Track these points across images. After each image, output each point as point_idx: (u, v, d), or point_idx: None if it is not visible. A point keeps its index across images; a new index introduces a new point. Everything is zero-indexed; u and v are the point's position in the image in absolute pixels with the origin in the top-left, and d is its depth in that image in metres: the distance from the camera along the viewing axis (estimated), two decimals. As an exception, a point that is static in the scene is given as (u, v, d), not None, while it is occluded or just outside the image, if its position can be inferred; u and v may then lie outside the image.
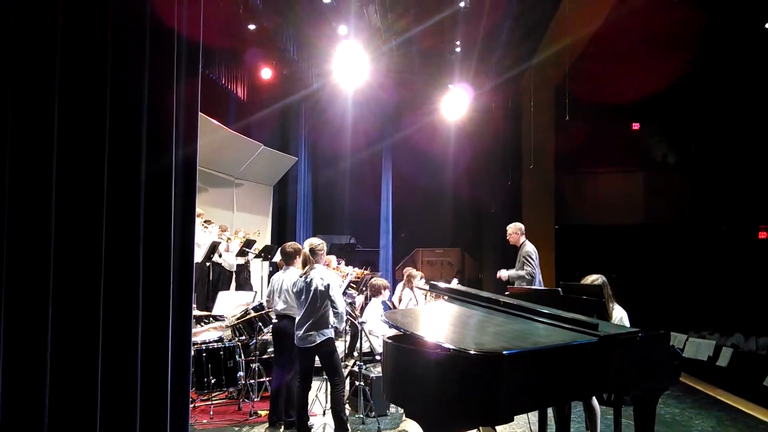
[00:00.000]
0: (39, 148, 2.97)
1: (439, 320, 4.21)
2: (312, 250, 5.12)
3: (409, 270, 8.53)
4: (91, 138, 3.14)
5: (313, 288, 4.98)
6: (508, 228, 7.46)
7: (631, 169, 14.77)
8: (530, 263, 7.13)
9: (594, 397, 4.75)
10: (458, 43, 11.68)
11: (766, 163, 12.50)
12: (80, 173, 3.10)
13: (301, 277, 5.12)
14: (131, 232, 3.22)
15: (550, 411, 5.12)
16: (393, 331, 4.07)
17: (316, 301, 4.97)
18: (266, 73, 12.68)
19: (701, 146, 14.05)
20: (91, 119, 3.14)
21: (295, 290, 5.17)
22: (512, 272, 7.34)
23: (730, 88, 12.67)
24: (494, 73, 12.68)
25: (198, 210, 9.37)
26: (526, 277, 7.15)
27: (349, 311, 6.79)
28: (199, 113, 3.71)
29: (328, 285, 4.98)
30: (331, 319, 5.04)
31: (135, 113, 3.27)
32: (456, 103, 12.30)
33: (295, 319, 5.17)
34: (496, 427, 4.93)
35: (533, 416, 5.19)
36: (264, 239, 13.05)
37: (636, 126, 14.92)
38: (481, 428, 4.94)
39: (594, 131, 14.11)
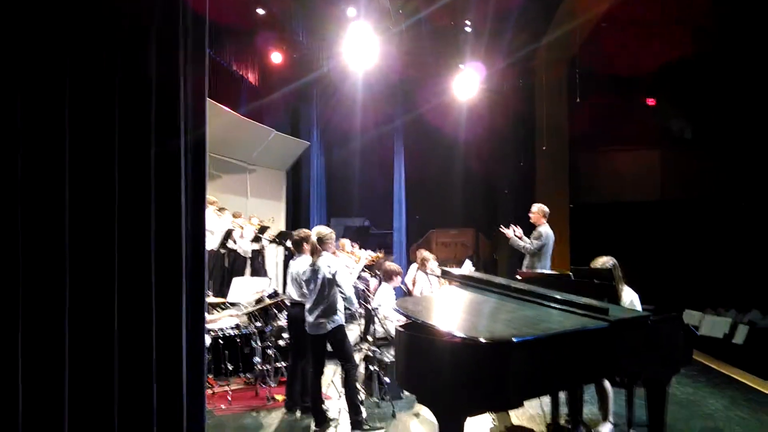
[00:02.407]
0: (50, 135, 3.00)
1: (450, 308, 4.24)
2: (320, 239, 5.16)
3: (422, 252, 8.55)
4: (101, 118, 3.15)
5: (320, 276, 5.03)
6: (533, 206, 7.57)
7: (647, 146, 14.59)
8: (539, 241, 7.26)
9: (606, 379, 4.77)
10: (469, 22, 11.55)
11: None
12: (91, 159, 3.12)
13: (309, 266, 5.17)
14: (142, 219, 3.24)
15: (562, 393, 5.16)
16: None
17: (324, 289, 5.03)
18: (276, 58, 12.65)
19: (718, 121, 13.82)
20: (101, 96, 3.15)
21: (304, 278, 5.23)
22: (517, 239, 7.50)
23: (746, 62, 12.43)
24: (505, 52, 12.54)
25: (211, 198, 9.49)
26: (527, 248, 7.29)
27: (365, 295, 6.86)
28: (212, 100, 3.73)
29: (335, 272, 5.03)
30: (341, 305, 5.10)
31: (144, 89, 3.27)
32: (467, 84, 12.20)
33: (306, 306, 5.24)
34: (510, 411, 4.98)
35: (546, 397, 5.22)
36: (278, 225, 13.14)
37: (651, 102, 14.69)
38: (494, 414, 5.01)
39: (608, 108, 13.94)
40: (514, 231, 7.63)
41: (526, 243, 7.49)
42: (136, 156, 3.26)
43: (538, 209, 7.56)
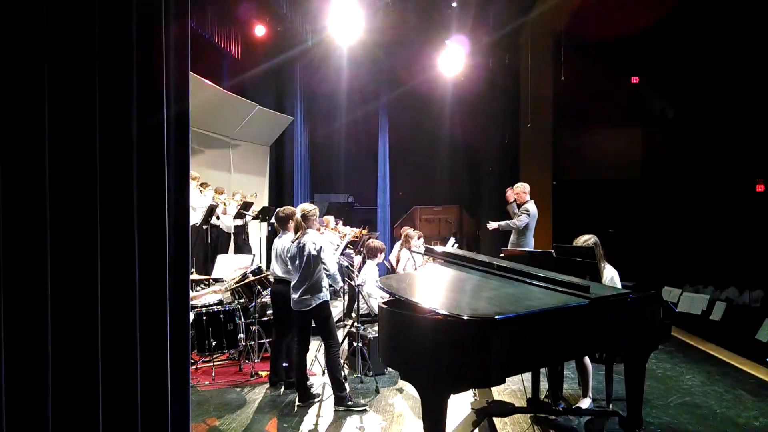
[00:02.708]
0: (28, 107, 2.92)
1: (434, 285, 4.26)
2: (304, 216, 5.15)
3: (406, 230, 8.57)
4: (80, 90, 3.06)
5: (306, 253, 5.03)
6: (517, 186, 7.70)
7: (630, 123, 14.67)
8: (527, 216, 7.39)
9: (586, 356, 4.85)
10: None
11: (764, 116, 12.42)
12: (71, 134, 3.04)
13: (293, 242, 5.16)
14: (125, 194, 3.18)
15: (543, 369, 5.24)
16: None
17: (309, 266, 5.04)
18: (260, 31, 12.46)
19: (700, 100, 13.91)
20: (79, 67, 3.06)
21: (289, 255, 5.23)
22: (503, 222, 7.65)
23: (728, 40, 12.47)
24: (491, 28, 12.47)
25: (194, 173, 9.40)
26: (518, 225, 7.42)
27: (348, 272, 6.88)
28: (194, 74, 3.66)
29: (321, 248, 5.04)
30: (325, 282, 5.11)
31: (124, 60, 3.18)
32: (453, 60, 12.14)
33: (291, 283, 5.24)
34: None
35: (527, 373, 5.31)
36: (262, 200, 13.08)
37: (635, 80, 14.73)
38: (476, 390, 5.07)
39: (592, 86, 13.95)
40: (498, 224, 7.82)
41: (512, 222, 7.62)
42: (117, 130, 3.19)
43: (522, 187, 7.71)
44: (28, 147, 2.93)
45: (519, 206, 7.79)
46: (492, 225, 7.93)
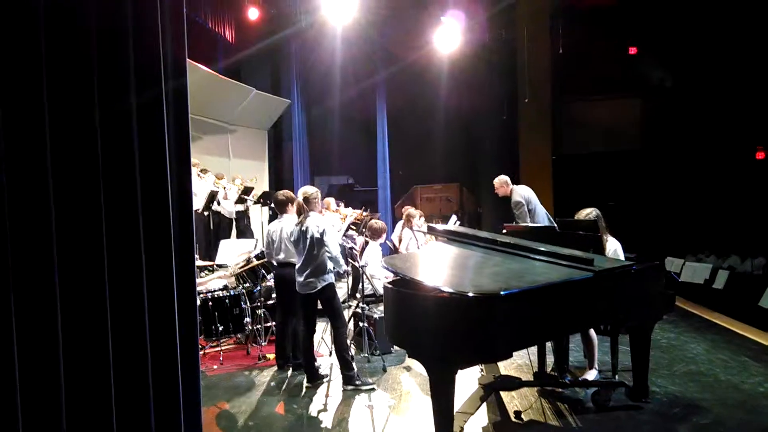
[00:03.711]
0: (26, 88, 2.89)
1: (437, 263, 4.28)
2: (306, 199, 5.14)
3: (408, 209, 8.58)
4: (78, 69, 3.02)
5: (309, 236, 5.03)
6: (494, 183, 7.61)
7: (628, 94, 14.60)
8: (519, 209, 7.31)
9: (591, 328, 4.87)
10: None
11: (763, 84, 12.35)
12: (71, 114, 3.00)
13: (297, 226, 5.17)
14: (127, 175, 3.15)
15: (549, 342, 5.28)
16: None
17: (313, 249, 5.04)
18: (253, 14, 12.32)
19: (699, 68, 13.82)
20: (77, 46, 3.03)
21: (292, 239, 5.23)
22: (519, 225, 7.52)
23: (726, 7, 12.36)
24: (487, 2, 12.36)
25: (193, 159, 9.37)
26: (525, 221, 7.35)
27: (352, 253, 6.90)
28: (189, 59, 3.61)
29: (323, 231, 5.03)
30: (329, 265, 5.12)
31: (121, 37, 3.15)
32: (449, 36, 12.03)
33: (295, 265, 5.25)
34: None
35: (533, 347, 5.34)
36: (262, 185, 13.07)
37: (633, 50, 14.62)
38: (483, 365, 5.12)
39: (590, 58, 13.86)
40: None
41: (519, 220, 7.47)
42: (117, 110, 3.16)
43: (499, 183, 7.59)
44: (28, 130, 2.90)
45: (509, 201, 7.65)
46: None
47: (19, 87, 2.90)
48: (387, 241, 8.13)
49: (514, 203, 7.44)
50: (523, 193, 7.49)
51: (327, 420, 4.47)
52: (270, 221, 10.71)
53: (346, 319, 5.61)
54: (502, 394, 4.74)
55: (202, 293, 6.19)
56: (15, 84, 2.89)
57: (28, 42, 2.92)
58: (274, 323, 6.41)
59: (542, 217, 7.49)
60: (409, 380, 5.31)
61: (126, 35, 3.17)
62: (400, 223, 8.74)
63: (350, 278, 7.52)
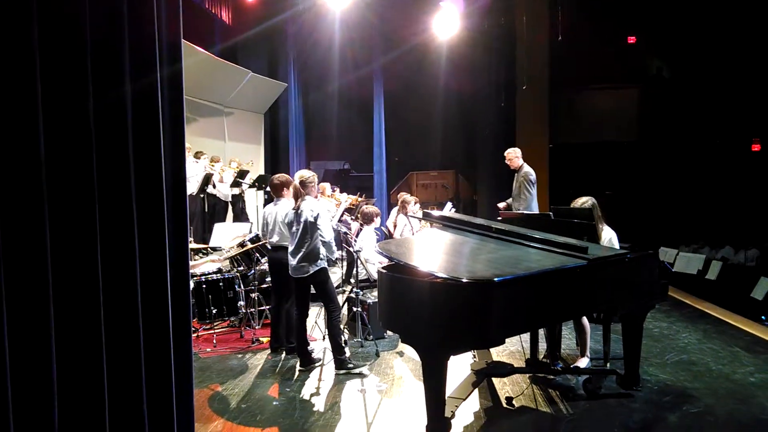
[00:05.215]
0: (18, 70, 2.86)
1: (432, 249, 4.27)
2: (302, 183, 5.12)
3: (403, 195, 8.57)
4: (71, 51, 2.99)
5: (303, 219, 5.02)
6: (507, 153, 7.50)
7: (626, 84, 14.58)
8: (530, 184, 7.24)
9: (584, 316, 4.89)
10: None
11: (760, 76, 12.35)
12: (63, 98, 2.97)
13: (292, 209, 5.15)
14: (121, 159, 3.13)
15: (541, 330, 5.30)
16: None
17: (306, 233, 5.03)
18: (250, -6, 12.23)
19: (697, 59, 13.80)
20: (69, 28, 2.99)
21: (286, 221, 5.22)
22: (510, 200, 7.44)
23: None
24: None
25: (186, 144, 9.30)
26: (528, 196, 7.25)
27: (346, 238, 6.89)
28: (184, 40, 3.57)
29: (318, 215, 5.02)
30: (323, 250, 5.11)
31: (115, 18, 3.11)
32: (447, 22, 11.95)
33: (288, 249, 5.25)
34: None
35: (525, 334, 5.36)
36: (257, 168, 13.02)
37: (632, 39, 14.57)
38: (475, 351, 5.13)
39: (589, 47, 13.81)
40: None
41: (522, 199, 7.37)
42: (110, 93, 3.13)
43: (513, 153, 7.44)
44: (20, 115, 2.87)
45: (516, 173, 7.51)
46: (501, 205, 7.64)
47: (11, 72, 2.86)
48: (382, 227, 8.13)
49: (526, 174, 7.29)
50: (532, 171, 7.39)
51: (319, 403, 4.49)
52: (265, 205, 10.70)
53: (340, 304, 5.62)
54: (494, 380, 4.76)
55: (196, 276, 6.18)
56: (7, 69, 2.85)
57: (20, 26, 2.87)
58: (268, 307, 6.41)
59: (536, 205, 7.46)
60: (401, 365, 5.32)
61: (121, 17, 3.13)
62: (395, 209, 8.73)
63: (345, 263, 7.52)
